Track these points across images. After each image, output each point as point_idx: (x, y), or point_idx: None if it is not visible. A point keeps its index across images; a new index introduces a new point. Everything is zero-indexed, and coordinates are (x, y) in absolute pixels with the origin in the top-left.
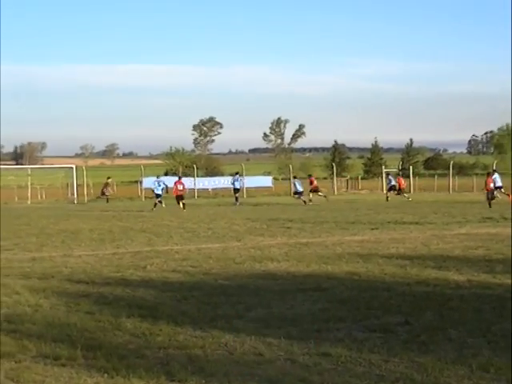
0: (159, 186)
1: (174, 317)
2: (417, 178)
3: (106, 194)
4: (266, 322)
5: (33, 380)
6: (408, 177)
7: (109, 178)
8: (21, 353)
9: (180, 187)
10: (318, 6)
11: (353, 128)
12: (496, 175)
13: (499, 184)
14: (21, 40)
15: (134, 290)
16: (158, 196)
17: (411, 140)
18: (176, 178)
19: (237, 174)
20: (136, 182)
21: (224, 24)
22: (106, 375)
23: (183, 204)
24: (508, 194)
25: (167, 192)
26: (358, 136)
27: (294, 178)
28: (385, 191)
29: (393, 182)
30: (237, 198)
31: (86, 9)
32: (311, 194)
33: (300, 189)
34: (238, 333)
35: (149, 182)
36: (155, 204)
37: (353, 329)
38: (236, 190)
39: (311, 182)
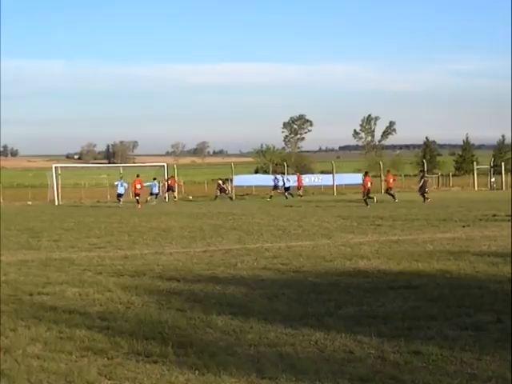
0: (121, 186)
1: (265, 314)
2: (509, 174)
3: (226, 192)
4: (356, 320)
5: (125, 376)
6: (500, 174)
7: (226, 179)
8: (113, 350)
9: (138, 186)
10: (407, 3)
11: (444, 125)
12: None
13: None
14: (116, 40)
15: (225, 287)
16: (119, 196)
17: (503, 136)
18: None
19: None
20: (226, 179)
21: (313, 21)
22: (197, 372)
23: (137, 200)
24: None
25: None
26: (449, 133)
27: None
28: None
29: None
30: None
31: (179, 10)
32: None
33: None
34: (328, 330)
35: (240, 180)
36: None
37: (444, 327)
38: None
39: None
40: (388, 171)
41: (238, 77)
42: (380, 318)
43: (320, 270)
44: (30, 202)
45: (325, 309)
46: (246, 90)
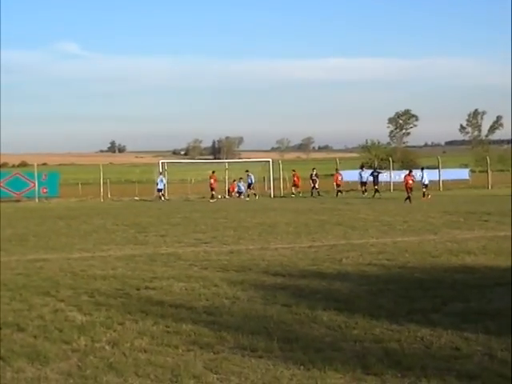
0: (161, 181)
1: (370, 310)
2: None
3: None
4: (463, 316)
5: (230, 371)
6: None
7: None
8: (219, 344)
9: (212, 181)
10: None
11: None
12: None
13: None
14: (221, 37)
15: (330, 283)
16: (159, 191)
17: None
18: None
19: (363, 167)
20: (332, 175)
21: (416, 15)
22: (302, 367)
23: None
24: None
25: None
26: None
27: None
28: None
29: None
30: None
31: (282, 6)
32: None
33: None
34: (434, 327)
35: (345, 175)
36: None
37: None
38: (363, 184)
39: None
40: (336, 170)
41: (343, 72)
42: (487, 314)
43: (426, 265)
44: (137, 198)
45: (431, 305)
46: (350, 84)
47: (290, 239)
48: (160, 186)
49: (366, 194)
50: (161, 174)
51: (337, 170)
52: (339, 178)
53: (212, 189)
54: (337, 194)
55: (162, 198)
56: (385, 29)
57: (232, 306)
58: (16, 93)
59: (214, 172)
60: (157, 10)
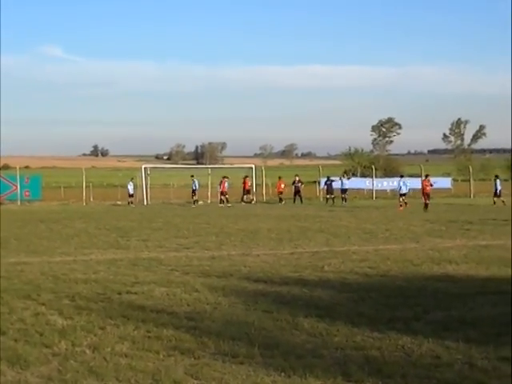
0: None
1: (352, 317)
2: None
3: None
4: (444, 325)
5: (211, 377)
6: None
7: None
8: (200, 350)
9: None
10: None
11: None
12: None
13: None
14: (206, 42)
15: (312, 289)
16: (131, 196)
17: None
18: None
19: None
20: (314, 182)
21: (401, 24)
22: (283, 374)
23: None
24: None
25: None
26: None
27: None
28: None
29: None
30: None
31: (268, 14)
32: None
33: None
34: (415, 335)
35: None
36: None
37: None
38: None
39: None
40: (279, 178)
41: (327, 79)
42: (468, 323)
43: (407, 274)
44: (119, 202)
45: (412, 313)
46: (334, 92)
47: (271, 245)
48: (130, 191)
49: (345, 202)
50: (132, 179)
51: (280, 177)
52: (282, 185)
53: (222, 193)
54: (280, 201)
55: (132, 204)
56: (369, 37)
57: (213, 311)
58: None
59: (224, 177)
60: (141, 15)
